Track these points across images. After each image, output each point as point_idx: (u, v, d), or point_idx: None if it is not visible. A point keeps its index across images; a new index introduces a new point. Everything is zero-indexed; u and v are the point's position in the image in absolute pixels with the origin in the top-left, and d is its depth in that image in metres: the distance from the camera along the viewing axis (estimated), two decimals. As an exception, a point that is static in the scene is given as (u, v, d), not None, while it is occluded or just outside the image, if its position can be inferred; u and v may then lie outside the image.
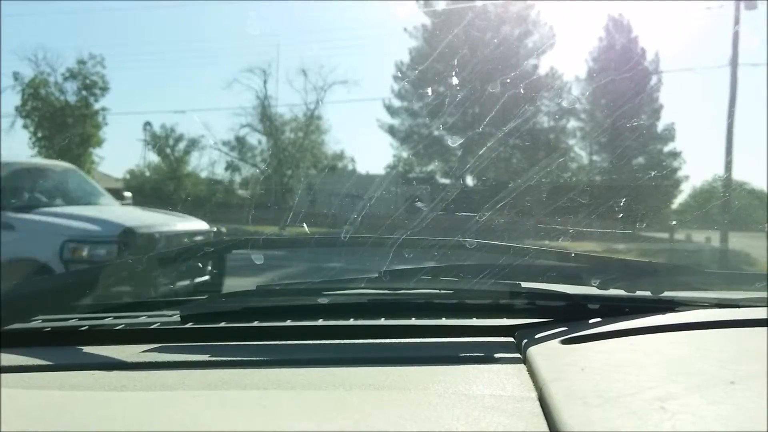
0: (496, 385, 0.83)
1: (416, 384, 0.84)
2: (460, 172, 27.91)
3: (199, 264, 4.95)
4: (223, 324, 1.11)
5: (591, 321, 1.06)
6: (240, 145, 32.29)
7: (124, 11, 41.28)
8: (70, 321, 1.14)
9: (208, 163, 34.50)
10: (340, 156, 35.49)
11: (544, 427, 0.65)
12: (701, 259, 14.49)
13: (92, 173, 31.38)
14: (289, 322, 1.12)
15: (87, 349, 1.03)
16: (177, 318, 1.13)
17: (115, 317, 1.17)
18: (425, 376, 0.87)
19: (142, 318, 1.18)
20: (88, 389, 0.84)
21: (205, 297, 1.20)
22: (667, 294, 1.15)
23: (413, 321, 1.13)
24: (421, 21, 28.26)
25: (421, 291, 1.18)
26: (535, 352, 0.91)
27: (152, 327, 1.11)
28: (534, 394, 0.76)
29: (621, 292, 1.13)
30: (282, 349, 1.04)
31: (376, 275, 1.16)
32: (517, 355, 0.96)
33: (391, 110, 29.16)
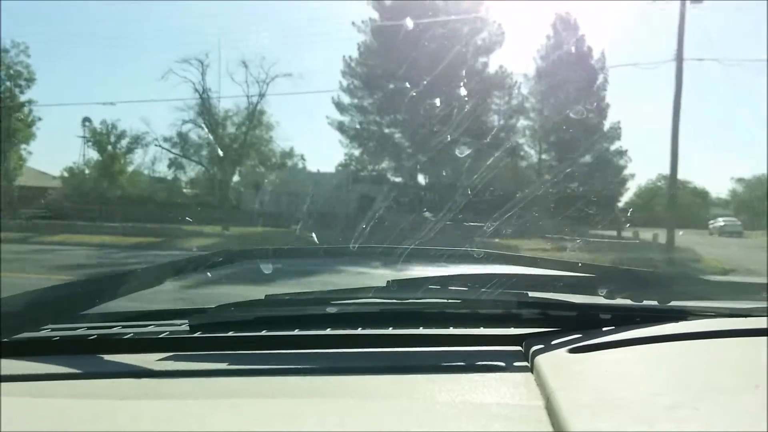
0: (504, 393, 0.83)
1: (424, 393, 0.85)
2: (413, 170, 27.91)
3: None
4: (231, 333, 1.11)
5: (598, 330, 1.06)
6: (183, 141, 31.14)
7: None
8: (79, 330, 1.15)
9: (150, 161, 33.26)
10: (289, 153, 34.90)
11: None
12: (648, 255, 14.62)
13: (21, 170, 29.90)
14: (297, 331, 1.11)
15: (96, 358, 1.03)
16: (186, 327, 1.13)
17: (124, 326, 1.17)
18: (433, 384, 0.87)
19: (151, 327, 1.18)
20: (97, 398, 0.83)
21: (214, 306, 1.17)
22: (673, 303, 1.16)
23: (421, 330, 1.12)
24: (370, 14, 27.87)
25: (429, 300, 1.18)
26: (542, 360, 0.91)
27: (161, 336, 1.11)
28: (542, 403, 0.76)
29: (628, 302, 1.14)
30: (291, 358, 1.04)
31: (384, 285, 1.18)
32: (525, 363, 0.96)
33: (340, 107, 28.60)
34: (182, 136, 30.75)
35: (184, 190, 33.24)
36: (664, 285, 1.19)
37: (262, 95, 29.66)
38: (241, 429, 0.67)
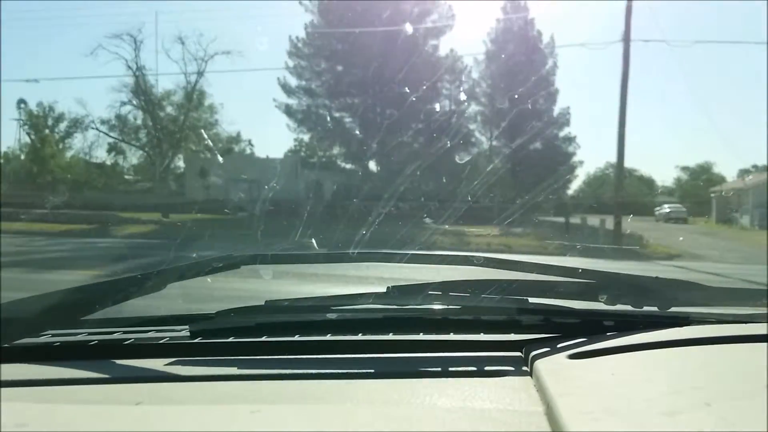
0: (504, 399, 0.83)
1: (424, 398, 0.84)
2: (363, 156, 27.37)
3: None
4: (232, 339, 1.11)
5: (599, 336, 1.06)
6: (121, 124, 29.65)
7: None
8: (80, 336, 1.15)
9: (88, 146, 31.73)
10: (236, 139, 33.90)
11: None
12: (596, 240, 14.61)
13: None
14: (297, 337, 1.12)
15: (96, 363, 1.02)
16: (186, 333, 1.13)
17: (125, 332, 1.18)
18: (433, 390, 0.87)
19: (152, 333, 1.17)
20: (98, 404, 0.84)
21: (215, 312, 1.16)
22: (674, 309, 1.17)
23: (421, 336, 1.13)
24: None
25: (429, 306, 1.18)
26: (542, 366, 0.91)
27: (162, 342, 1.11)
28: (542, 409, 0.77)
29: (628, 308, 1.15)
30: (291, 364, 1.03)
31: (385, 290, 1.18)
32: (526, 369, 0.97)
33: (287, 89, 27.66)
34: (121, 119, 29.40)
35: (126, 177, 31.98)
36: (664, 291, 1.19)
37: (200, 73, 28.27)
38: None
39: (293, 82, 27.55)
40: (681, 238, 18.51)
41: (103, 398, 0.87)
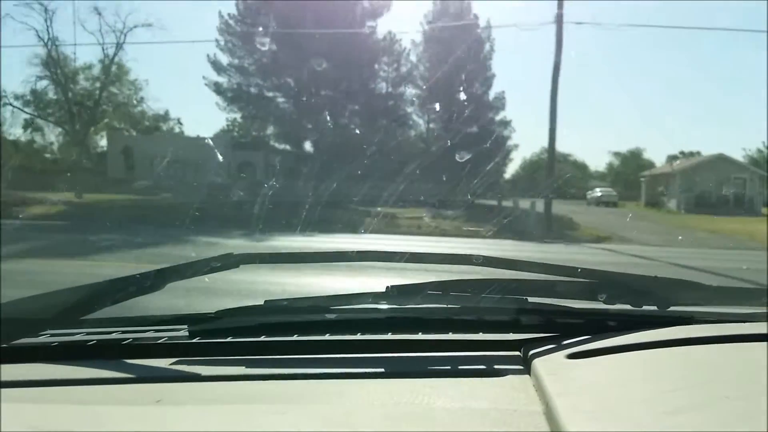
0: (503, 399, 0.84)
1: (423, 398, 0.85)
2: (297, 137, 26.67)
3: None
4: (230, 339, 1.11)
5: (598, 336, 1.05)
6: (36, 99, 27.68)
7: None
8: (78, 335, 1.16)
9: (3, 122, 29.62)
10: (164, 117, 32.39)
11: None
12: (527, 224, 14.57)
13: None
14: (296, 337, 1.12)
15: (95, 363, 1.02)
16: (185, 333, 1.13)
17: (123, 332, 1.18)
18: (432, 390, 0.88)
19: (150, 333, 1.18)
20: (96, 404, 0.85)
21: (213, 312, 1.14)
22: (673, 309, 1.16)
23: (420, 336, 1.13)
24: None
25: (428, 306, 1.18)
26: (541, 366, 0.92)
27: (160, 342, 1.11)
28: (540, 408, 0.78)
29: (627, 307, 1.15)
30: (289, 364, 1.04)
31: (384, 290, 1.17)
32: (524, 368, 0.97)
33: (217, 66, 26.47)
34: (36, 94, 27.42)
35: (46, 155, 30.15)
36: (663, 290, 1.19)
37: (119, 45, 26.54)
38: None
39: (224, 59, 26.44)
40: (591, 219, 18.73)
41: (101, 398, 0.88)
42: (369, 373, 0.96)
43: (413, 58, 28.58)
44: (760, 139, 49.60)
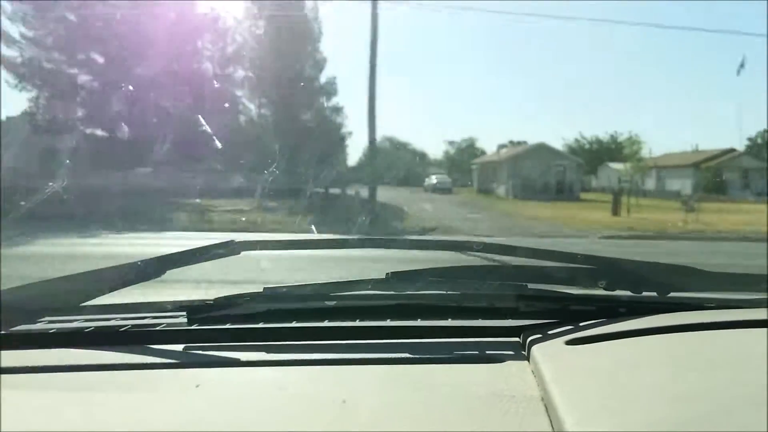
0: (501, 384, 0.84)
1: (421, 384, 0.86)
2: (107, 121, 23.84)
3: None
4: (229, 325, 1.12)
5: (597, 322, 1.06)
6: None
7: None
8: (76, 322, 1.16)
9: None
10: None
11: (548, 426, 0.68)
12: (355, 211, 13.80)
13: None
14: (295, 323, 1.13)
15: (93, 350, 1.03)
16: (183, 319, 1.14)
17: (122, 318, 1.18)
18: (431, 376, 0.88)
19: (148, 319, 1.18)
20: (95, 390, 0.85)
21: (212, 299, 1.16)
22: (673, 295, 1.17)
23: (419, 322, 1.14)
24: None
25: (428, 292, 1.19)
26: (540, 352, 0.92)
27: (158, 328, 1.12)
28: (539, 394, 0.78)
29: (627, 293, 1.16)
30: (288, 350, 1.03)
31: (383, 277, 1.17)
32: (523, 354, 0.97)
33: (6, 38, 22.82)
34: None
35: None
36: (663, 276, 1.20)
37: None
38: (238, 420, 0.69)
39: (14, 31, 22.86)
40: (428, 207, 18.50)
41: (99, 385, 0.87)
42: (368, 359, 0.96)
43: (238, 37, 26.68)
44: (577, 129, 53.83)
